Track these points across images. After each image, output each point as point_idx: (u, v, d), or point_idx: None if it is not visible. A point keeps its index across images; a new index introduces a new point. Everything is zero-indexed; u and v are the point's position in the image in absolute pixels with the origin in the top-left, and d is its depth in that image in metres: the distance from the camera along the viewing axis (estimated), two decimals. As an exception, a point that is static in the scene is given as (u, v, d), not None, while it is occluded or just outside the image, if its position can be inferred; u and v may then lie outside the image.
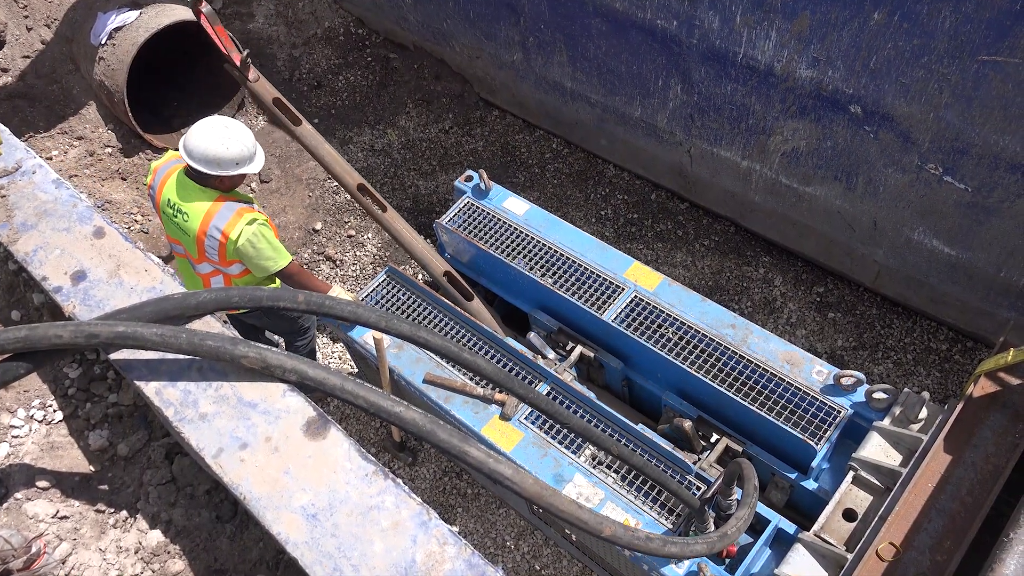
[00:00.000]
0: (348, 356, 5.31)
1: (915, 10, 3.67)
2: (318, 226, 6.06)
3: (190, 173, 3.64)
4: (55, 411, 2.53)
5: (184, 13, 5.99)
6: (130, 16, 5.89)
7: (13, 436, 2.46)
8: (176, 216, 3.72)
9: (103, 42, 5.87)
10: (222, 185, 3.66)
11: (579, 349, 4.13)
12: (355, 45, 7.28)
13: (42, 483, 2.32)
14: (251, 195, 3.78)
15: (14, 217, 2.44)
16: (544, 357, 4.12)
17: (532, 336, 4.25)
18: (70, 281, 2.24)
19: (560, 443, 3.56)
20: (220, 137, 3.47)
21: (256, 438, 1.89)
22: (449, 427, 1.93)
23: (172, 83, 6.95)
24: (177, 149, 6.45)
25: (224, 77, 6.74)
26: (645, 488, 3.38)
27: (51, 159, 5.92)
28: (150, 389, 1.98)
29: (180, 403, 1.95)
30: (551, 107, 6.18)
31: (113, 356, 2.03)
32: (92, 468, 2.41)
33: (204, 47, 6.59)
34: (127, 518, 2.29)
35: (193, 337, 1.89)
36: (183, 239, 3.81)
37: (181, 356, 2.01)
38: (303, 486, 1.80)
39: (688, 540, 2.40)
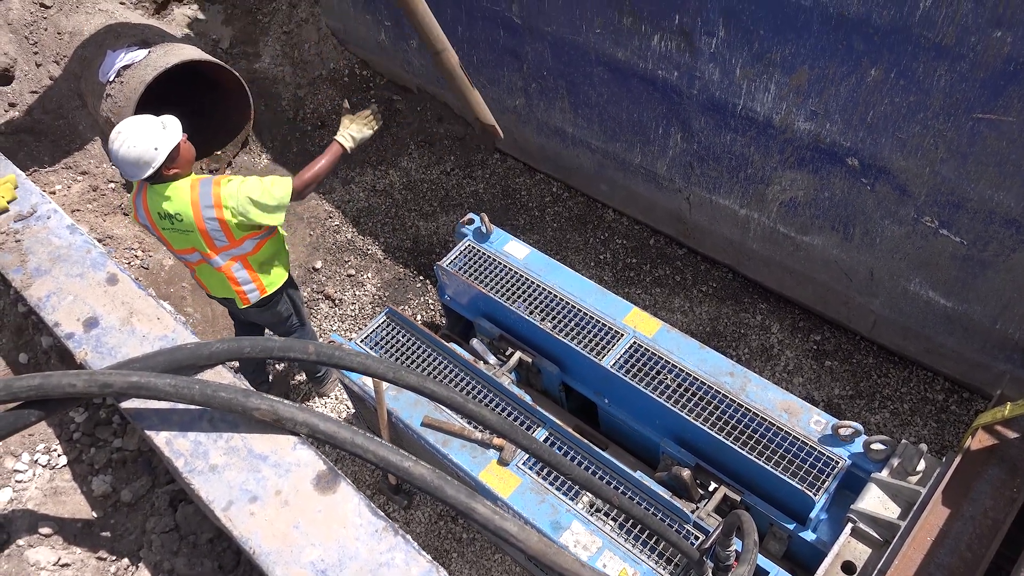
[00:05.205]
0: (345, 396, 5.32)
1: (911, 68, 3.75)
2: (318, 264, 6.09)
3: (150, 181, 3.82)
4: (59, 455, 2.53)
5: (192, 52, 6.08)
6: (139, 54, 5.96)
7: (17, 481, 2.45)
8: (174, 223, 3.88)
9: (111, 79, 5.94)
10: (176, 168, 3.82)
11: (518, 354, 4.25)
12: (359, 86, 7.38)
13: (45, 529, 2.31)
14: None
15: (28, 262, 2.47)
16: (485, 362, 4.20)
17: (475, 342, 4.36)
18: (82, 328, 2.26)
19: (558, 489, 3.56)
20: (124, 145, 3.65)
21: (266, 491, 1.90)
22: (456, 483, 1.95)
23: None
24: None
25: (229, 116, 6.82)
26: (643, 537, 3.38)
27: (55, 193, 5.95)
28: (160, 439, 1.99)
29: (191, 454, 1.96)
30: (552, 151, 6.26)
31: (124, 404, 2.05)
32: (95, 514, 2.41)
33: (210, 85, 6.69)
34: (129, 566, 2.28)
35: (206, 388, 1.91)
36: (192, 240, 3.94)
37: (192, 406, 2.03)
38: (313, 541, 1.80)
39: (689, 598, 2.40)
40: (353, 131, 4.14)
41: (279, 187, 3.88)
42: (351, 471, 5.01)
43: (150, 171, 3.69)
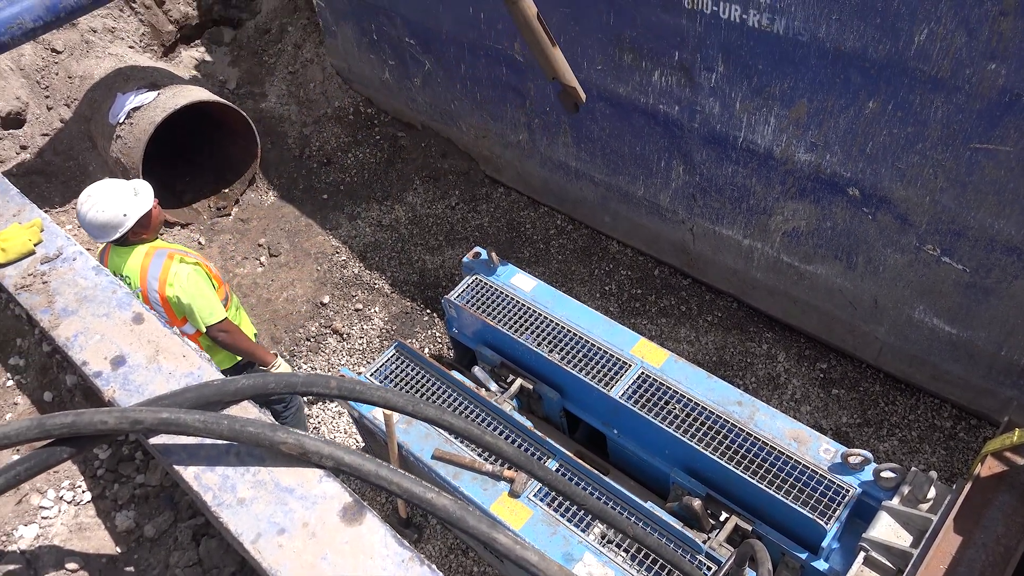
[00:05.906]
0: (355, 429, 5.34)
1: (908, 100, 3.84)
2: (326, 299, 6.15)
3: (116, 243, 3.86)
4: (84, 492, 2.57)
5: (200, 93, 6.20)
6: (148, 96, 6.09)
7: (43, 517, 2.49)
8: (126, 284, 3.86)
9: (121, 121, 6.06)
10: (145, 234, 3.86)
11: (519, 382, 4.30)
12: (364, 124, 7.50)
13: (71, 565, 2.34)
14: (195, 258, 3.97)
15: (55, 303, 2.53)
16: (487, 389, 4.24)
17: (476, 370, 4.40)
18: (110, 366, 2.31)
19: (569, 521, 3.57)
20: (92, 208, 3.67)
21: (293, 523, 1.93)
22: (478, 514, 1.99)
23: (184, 159, 7.13)
24: (186, 224, 6.62)
25: (236, 154, 6.93)
26: (656, 568, 3.39)
27: (65, 233, 6.03)
28: (189, 474, 2.03)
29: (219, 488, 2.00)
30: (556, 185, 6.35)
31: (152, 440, 2.09)
32: (119, 549, 2.44)
33: (217, 125, 6.81)
34: (152, 601, 2.32)
35: (234, 423, 1.96)
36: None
37: (219, 441, 2.07)
38: (340, 572, 1.84)
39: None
40: (284, 366, 4.34)
41: (214, 314, 3.90)
42: (361, 505, 5.01)
43: (116, 235, 3.72)
